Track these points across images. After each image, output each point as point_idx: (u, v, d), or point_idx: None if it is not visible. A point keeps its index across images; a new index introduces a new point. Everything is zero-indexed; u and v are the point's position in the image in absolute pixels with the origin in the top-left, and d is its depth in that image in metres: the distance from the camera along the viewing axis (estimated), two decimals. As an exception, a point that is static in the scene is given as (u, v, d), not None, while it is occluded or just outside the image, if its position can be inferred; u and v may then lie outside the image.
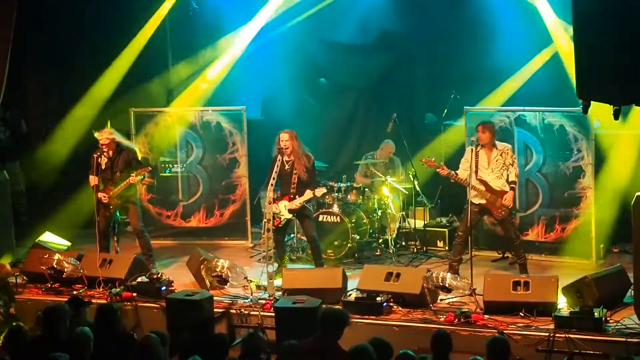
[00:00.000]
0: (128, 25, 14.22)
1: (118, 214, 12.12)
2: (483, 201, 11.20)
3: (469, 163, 11.09)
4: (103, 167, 11.82)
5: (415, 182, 13.28)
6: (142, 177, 11.84)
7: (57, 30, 14.34)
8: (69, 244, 12.95)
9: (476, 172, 11.09)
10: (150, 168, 12.17)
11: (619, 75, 8.39)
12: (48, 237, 12.87)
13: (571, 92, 8.98)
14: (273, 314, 9.97)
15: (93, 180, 11.75)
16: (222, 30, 14.46)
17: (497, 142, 11.29)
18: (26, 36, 13.37)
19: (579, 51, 8.57)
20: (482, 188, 11.17)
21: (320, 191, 11.56)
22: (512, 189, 11.22)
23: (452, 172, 11.26)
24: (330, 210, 12.64)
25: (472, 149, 11.14)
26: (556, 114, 12.19)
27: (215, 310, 10.26)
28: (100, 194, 11.76)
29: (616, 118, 8.60)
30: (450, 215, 13.45)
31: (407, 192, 13.34)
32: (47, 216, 13.99)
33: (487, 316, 9.90)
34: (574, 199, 12.19)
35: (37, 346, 7.88)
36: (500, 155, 11.23)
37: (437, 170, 11.40)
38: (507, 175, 11.23)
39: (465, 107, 12.68)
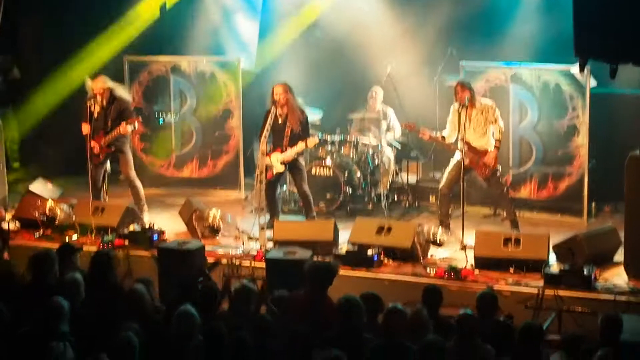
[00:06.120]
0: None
1: (109, 162, 12.10)
2: (467, 162, 11.15)
3: (453, 123, 11.06)
4: (95, 115, 11.77)
5: (409, 137, 13.28)
6: (133, 126, 11.77)
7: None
8: (61, 190, 12.95)
9: (460, 130, 10.99)
10: (140, 117, 12.10)
11: (616, 34, 8.36)
12: (40, 184, 12.86)
13: (568, 49, 8.92)
14: (264, 265, 10.00)
15: (86, 128, 11.71)
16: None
17: (478, 100, 11.21)
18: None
19: (577, 8, 8.53)
20: (465, 148, 11.11)
21: (312, 141, 11.53)
22: (496, 147, 11.17)
23: (435, 135, 11.24)
24: (323, 163, 12.63)
25: (456, 108, 11.07)
26: (552, 71, 12.15)
27: (206, 260, 10.29)
28: (92, 143, 11.72)
29: (612, 77, 8.58)
30: (443, 170, 13.40)
31: (399, 148, 13.32)
32: (39, 163, 13.96)
33: (477, 272, 9.94)
34: (567, 157, 12.19)
35: (27, 292, 7.89)
36: (481, 113, 11.14)
37: (419, 135, 11.41)
38: (492, 133, 11.19)
39: (461, 62, 12.62)
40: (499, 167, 11.32)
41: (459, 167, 10.95)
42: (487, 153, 11.11)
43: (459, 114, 10.91)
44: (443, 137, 11.27)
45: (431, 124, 12.17)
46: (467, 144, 11.10)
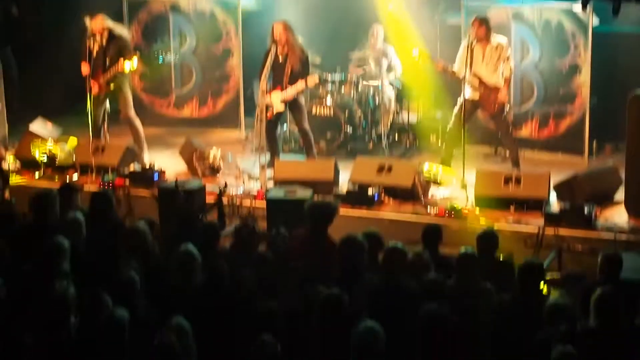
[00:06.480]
0: None
1: (109, 102, 12.05)
2: (476, 97, 11.12)
3: (464, 58, 10.98)
4: (94, 55, 11.70)
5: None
6: (131, 64, 11.66)
7: None
8: (60, 130, 12.91)
9: (470, 66, 10.95)
10: (137, 55, 11.99)
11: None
12: (40, 123, 12.82)
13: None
14: (264, 205, 10.00)
15: (85, 67, 11.65)
16: None
17: (493, 36, 11.16)
18: None
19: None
20: (476, 83, 11.07)
21: (312, 79, 11.45)
22: (505, 84, 11.12)
23: (448, 66, 11.14)
24: (324, 102, 12.57)
25: (467, 44, 11.00)
26: (555, 9, 12.05)
27: (206, 199, 10.29)
28: (91, 82, 11.66)
29: (615, 14, 8.51)
30: (444, 108, 13.34)
31: (400, 89, 13.22)
32: (38, 102, 13.90)
33: (477, 210, 9.95)
34: (568, 95, 12.13)
35: (28, 232, 7.90)
36: (495, 49, 11.10)
37: (433, 64, 11.31)
38: (502, 71, 11.13)
39: (462, 0, 12.48)
40: (507, 105, 11.28)
41: (468, 106, 10.91)
42: (499, 90, 11.04)
43: (471, 50, 10.84)
44: (453, 72, 11.19)
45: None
46: (479, 79, 11.04)
